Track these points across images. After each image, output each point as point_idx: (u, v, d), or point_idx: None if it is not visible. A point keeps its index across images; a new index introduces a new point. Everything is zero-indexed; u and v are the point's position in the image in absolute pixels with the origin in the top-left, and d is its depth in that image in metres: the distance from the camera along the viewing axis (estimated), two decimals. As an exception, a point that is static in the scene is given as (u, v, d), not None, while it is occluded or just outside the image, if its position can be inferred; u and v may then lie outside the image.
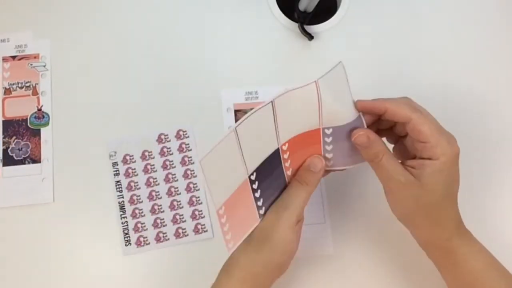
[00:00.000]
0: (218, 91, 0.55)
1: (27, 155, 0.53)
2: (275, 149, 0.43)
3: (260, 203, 0.43)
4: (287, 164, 0.44)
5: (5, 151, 0.53)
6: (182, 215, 0.52)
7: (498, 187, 0.54)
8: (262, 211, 0.44)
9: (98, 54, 0.56)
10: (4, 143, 0.54)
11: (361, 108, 0.42)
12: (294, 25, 0.57)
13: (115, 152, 0.53)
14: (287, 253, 0.42)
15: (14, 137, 0.54)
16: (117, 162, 0.53)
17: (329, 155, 0.44)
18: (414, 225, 0.43)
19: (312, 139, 0.44)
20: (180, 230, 0.52)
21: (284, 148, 0.43)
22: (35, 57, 0.56)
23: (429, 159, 0.39)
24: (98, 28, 0.57)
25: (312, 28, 0.57)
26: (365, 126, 0.43)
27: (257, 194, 0.43)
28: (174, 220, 0.52)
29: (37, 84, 0.55)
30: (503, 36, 0.58)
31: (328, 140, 0.44)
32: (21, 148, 0.53)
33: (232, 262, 0.43)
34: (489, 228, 0.51)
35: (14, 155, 0.53)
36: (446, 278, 0.44)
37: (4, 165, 0.53)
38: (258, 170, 0.42)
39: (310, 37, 0.55)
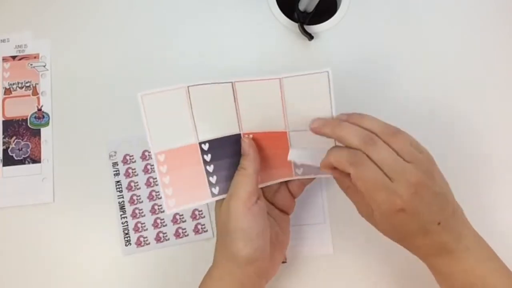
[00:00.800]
0: (218, 91, 0.55)
1: (27, 155, 0.53)
2: (235, 133, 0.43)
3: (213, 180, 0.43)
4: None
5: (5, 151, 0.53)
6: (182, 215, 0.52)
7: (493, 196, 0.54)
8: (215, 191, 0.43)
9: (98, 54, 0.56)
10: (4, 143, 0.54)
11: (313, 130, 0.41)
12: (294, 25, 0.57)
13: (115, 152, 0.53)
14: (251, 242, 0.40)
15: (14, 137, 0.54)
16: (117, 162, 0.53)
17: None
18: (408, 246, 0.42)
19: (280, 141, 0.44)
20: (180, 230, 0.52)
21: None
22: (35, 57, 0.56)
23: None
24: (98, 28, 0.57)
25: (312, 28, 0.57)
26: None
27: (210, 168, 0.43)
28: (174, 220, 0.52)
29: (37, 84, 0.55)
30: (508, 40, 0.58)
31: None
32: (21, 148, 0.53)
33: (213, 260, 0.43)
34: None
35: (14, 155, 0.53)
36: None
37: (4, 165, 0.53)
38: (213, 143, 0.43)
39: (310, 37, 0.55)
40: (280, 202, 0.47)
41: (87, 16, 0.57)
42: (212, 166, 0.43)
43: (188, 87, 0.42)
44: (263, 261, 0.42)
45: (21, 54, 0.56)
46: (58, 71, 0.56)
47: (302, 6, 0.55)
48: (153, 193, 0.52)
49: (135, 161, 0.53)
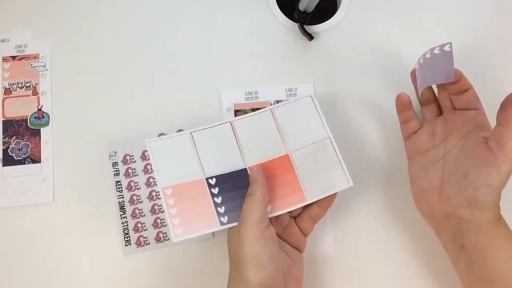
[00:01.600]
0: (218, 91, 0.55)
1: (27, 155, 0.53)
2: (241, 168, 0.46)
3: (221, 210, 0.45)
4: None
5: (5, 151, 0.53)
6: (182, 215, 0.52)
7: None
8: (224, 220, 0.45)
9: (98, 54, 0.56)
10: (4, 143, 0.54)
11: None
12: (294, 25, 0.57)
13: (115, 152, 0.53)
14: (264, 268, 0.40)
15: (14, 137, 0.54)
16: (117, 162, 0.53)
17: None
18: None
19: (285, 166, 0.46)
20: (180, 230, 0.52)
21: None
22: (35, 57, 0.56)
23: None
24: (98, 28, 0.57)
25: (312, 28, 0.57)
26: (334, 145, 0.46)
27: (218, 200, 0.45)
28: (174, 220, 0.52)
29: (37, 84, 0.55)
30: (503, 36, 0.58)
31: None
32: (21, 148, 0.53)
33: None
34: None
35: (14, 155, 0.53)
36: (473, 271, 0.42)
37: (4, 165, 0.53)
38: (220, 178, 0.46)
39: (310, 37, 0.55)
40: (291, 239, 0.46)
41: (87, 16, 0.57)
42: (220, 198, 0.45)
43: (191, 133, 0.47)
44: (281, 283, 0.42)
45: (21, 54, 0.56)
46: (58, 71, 0.56)
47: (302, 6, 0.55)
48: (153, 193, 0.52)
49: (135, 161, 0.53)
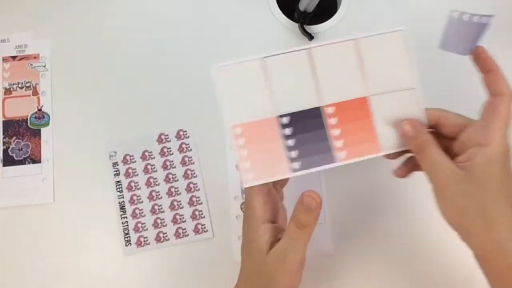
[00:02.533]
0: (218, 91, 0.55)
1: (27, 155, 0.53)
2: (313, 106, 0.41)
3: (294, 155, 0.40)
4: (335, 133, 0.41)
5: (5, 151, 0.53)
6: (182, 215, 0.52)
7: None
8: (296, 165, 0.40)
9: (98, 54, 0.56)
10: (4, 143, 0.54)
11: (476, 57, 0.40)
12: (294, 25, 0.57)
13: (115, 152, 0.53)
14: None
15: (14, 137, 0.54)
16: (117, 162, 0.53)
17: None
18: (467, 230, 0.37)
19: (361, 111, 0.41)
20: (180, 230, 0.52)
21: (330, 111, 0.41)
22: (35, 57, 0.56)
23: (480, 146, 0.36)
24: (98, 28, 0.57)
25: (312, 28, 0.57)
26: (419, 97, 0.41)
27: (290, 143, 0.40)
28: (174, 220, 0.52)
29: (37, 84, 0.55)
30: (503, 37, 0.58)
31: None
32: (21, 148, 0.53)
33: None
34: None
35: (14, 155, 0.53)
36: None
37: (4, 165, 0.53)
38: (294, 117, 0.41)
39: (310, 37, 0.55)
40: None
41: (87, 16, 0.57)
42: (294, 141, 0.41)
43: (263, 58, 0.40)
44: None
45: (21, 54, 0.56)
46: (58, 71, 0.56)
47: (302, 6, 0.55)
48: (153, 193, 0.52)
49: (135, 161, 0.53)
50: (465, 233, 0.37)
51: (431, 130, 0.40)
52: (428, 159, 0.38)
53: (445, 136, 0.40)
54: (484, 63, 0.40)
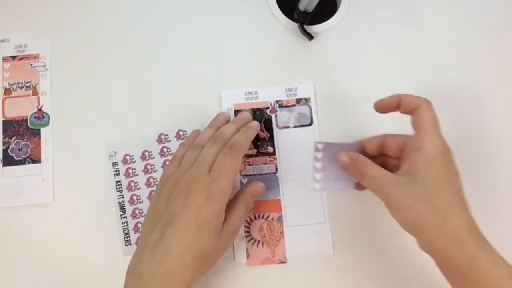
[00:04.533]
0: (218, 91, 0.55)
1: (27, 155, 0.53)
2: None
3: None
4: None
5: (5, 151, 0.53)
6: (182, 215, 0.52)
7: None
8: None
9: (98, 54, 0.56)
10: (4, 143, 0.54)
11: (379, 108, 0.44)
12: (294, 25, 0.57)
13: (115, 152, 0.53)
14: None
15: (14, 137, 0.54)
16: (117, 162, 0.53)
17: (317, 176, 0.46)
18: (421, 227, 0.38)
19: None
20: (180, 230, 0.52)
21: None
22: (35, 57, 0.56)
23: (417, 151, 0.39)
24: (98, 28, 0.57)
25: (312, 28, 0.57)
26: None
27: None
28: (174, 220, 0.52)
29: (37, 84, 0.55)
30: (504, 33, 0.58)
31: (319, 156, 0.46)
32: (21, 148, 0.53)
33: None
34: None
35: (14, 155, 0.53)
36: None
37: (4, 165, 0.53)
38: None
39: (310, 37, 0.55)
40: None
41: (87, 16, 0.57)
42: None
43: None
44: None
45: (21, 54, 0.56)
46: (58, 71, 0.56)
47: (302, 6, 0.55)
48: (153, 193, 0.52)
49: (135, 161, 0.53)
50: (420, 230, 0.38)
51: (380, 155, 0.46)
52: (370, 179, 0.41)
53: (393, 157, 0.45)
54: (387, 107, 0.44)
